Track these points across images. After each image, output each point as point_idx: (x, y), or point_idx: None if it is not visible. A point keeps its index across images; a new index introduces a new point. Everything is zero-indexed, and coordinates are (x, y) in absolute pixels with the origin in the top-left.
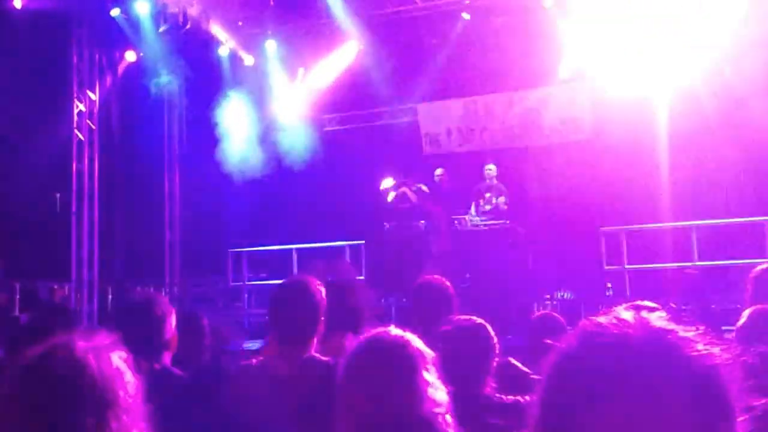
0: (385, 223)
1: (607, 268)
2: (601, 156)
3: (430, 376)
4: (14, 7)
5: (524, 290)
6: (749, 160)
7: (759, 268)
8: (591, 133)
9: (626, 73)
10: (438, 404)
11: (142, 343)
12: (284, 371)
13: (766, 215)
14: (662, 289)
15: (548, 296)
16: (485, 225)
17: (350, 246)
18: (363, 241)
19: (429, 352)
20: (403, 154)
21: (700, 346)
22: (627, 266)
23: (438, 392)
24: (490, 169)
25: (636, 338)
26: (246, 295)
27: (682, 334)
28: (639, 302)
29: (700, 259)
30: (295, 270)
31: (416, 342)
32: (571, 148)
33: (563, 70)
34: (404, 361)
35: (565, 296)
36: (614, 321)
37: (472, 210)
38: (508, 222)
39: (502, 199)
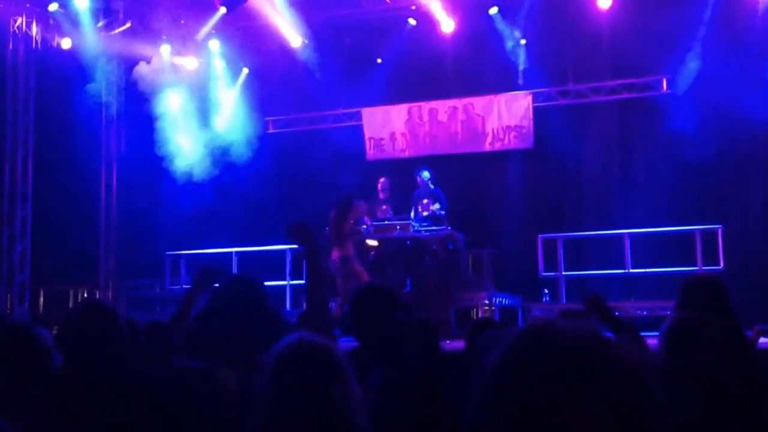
0: (327, 228)
1: (544, 274)
2: (541, 164)
3: (349, 381)
4: None
5: (463, 296)
6: (682, 170)
7: (689, 277)
8: (533, 142)
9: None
10: (356, 409)
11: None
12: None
13: (697, 224)
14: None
15: (487, 302)
16: (426, 231)
17: (292, 250)
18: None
19: (345, 359)
20: (347, 159)
21: (622, 350)
22: (564, 273)
23: (356, 396)
24: (425, 176)
25: (565, 342)
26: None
27: (608, 339)
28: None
29: (633, 267)
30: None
31: (336, 348)
32: (513, 155)
33: (508, 79)
34: (324, 367)
35: (504, 302)
36: (546, 327)
37: (411, 216)
38: (448, 228)
39: (437, 206)
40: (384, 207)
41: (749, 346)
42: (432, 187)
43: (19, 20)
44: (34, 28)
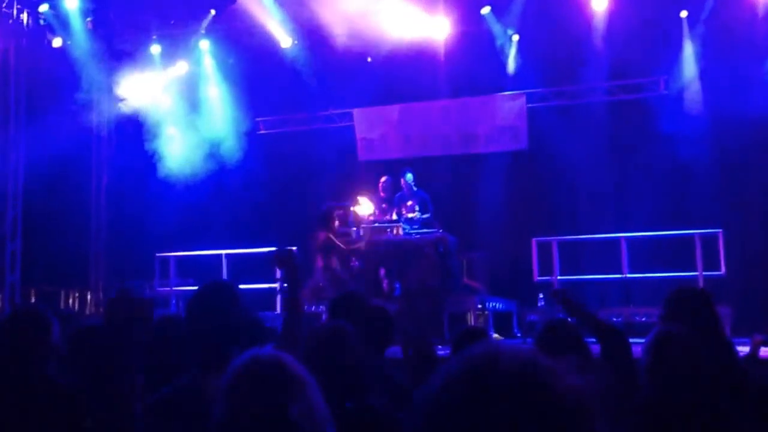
0: (318, 230)
1: (538, 278)
2: (536, 166)
3: (311, 397)
4: None
5: (456, 300)
6: (681, 172)
7: (674, 289)
8: (528, 143)
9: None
10: (320, 425)
11: None
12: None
13: (697, 228)
14: (591, 301)
15: (480, 306)
16: (417, 233)
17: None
18: (295, 248)
19: (303, 375)
20: (338, 160)
21: (568, 380)
22: (559, 277)
23: (319, 412)
24: (408, 178)
25: (504, 372)
26: (174, 301)
27: (551, 367)
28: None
29: (630, 272)
30: (225, 276)
31: (293, 363)
32: (506, 157)
33: (501, 79)
34: (280, 384)
35: (497, 306)
36: (485, 354)
37: (394, 217)
38: (440, 231)
39: (416, 213)
40: (384, 206)
41: (735, 357)
42: (415, 189)
43: (10, 20)
44: (25, 28)
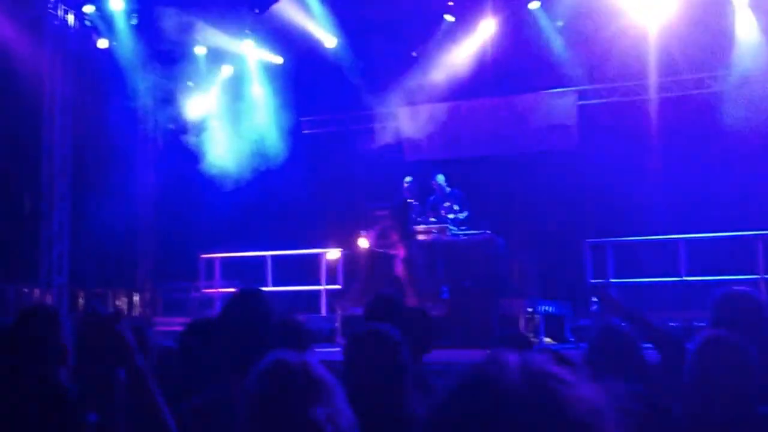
0: (361, 232)
1: (592, 281)
2: (587, 165)
3: (333, 403)
4: None
5: (506, 304)
6: (739, 173)
7: (722, 293)
8: (578, 141)
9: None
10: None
11: None
12: None
13: (756, 229)
14: (647, 305)
15: (530, 310)
16: (464, 235)
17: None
18: (340, 249)
19: (329, 379)
20: (383, 160)
21: (580, 391)
22: (613, 280)
23: (341, 420)
24: (440, 180)
25: (513, 382)
26: (218, 303)
27: (562, 377)
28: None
29: (687, 274)
30: (270, 278)
31: (317, 367)
32: (557, 156)
33: (551, 76)
34: (304, 387)
35: (548, 310)
36: (494, 363)
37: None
38: (488, 232)
39: (456, 207)
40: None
41: None
42: (448, 189)
43: (56, 22)
44: (72, 29)
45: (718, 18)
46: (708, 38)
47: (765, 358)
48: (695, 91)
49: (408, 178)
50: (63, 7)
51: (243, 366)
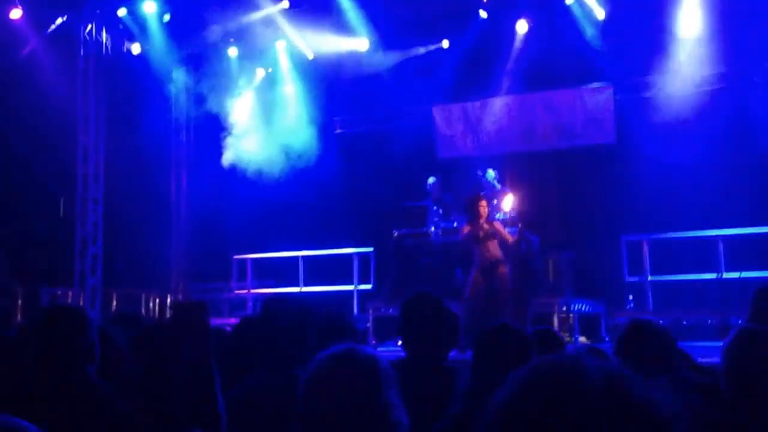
0: (394, 231)
1: (629, 279)
2: (624, 160)
3: (395, 396)
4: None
5: (540, 302)
6: None
7: (760, 287)
8: (615, 137)
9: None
10: (401, 426)
11: None
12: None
13: None
14: (685, 303)
15: (564, 308)
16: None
17: (359, 254)
18: (372, 249)
19: (392, 372)
20: (417, 158)
21: (656, 397)
22: (650, 278)
23: (401, 414)
24: (489, 176)
25: (593, 386)
26: (251, 303)
27: (637, 382)
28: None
29: (726, 271)
30: (302, 278)
31: (383, 359)
32: (593, 151)
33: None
34: (372, 378)
35: (583, 308)
36: (570, 365)
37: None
38: (520, 226)
39: (508, 206)
40: (435, 208)
41: None
42: (498, 187)
43: (90, 26)
44: (104, 34)
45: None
46: (752, 27)
47: None
48: (731, 85)
49: (431, 179)
50: (96, 11)
51: (288, 358)
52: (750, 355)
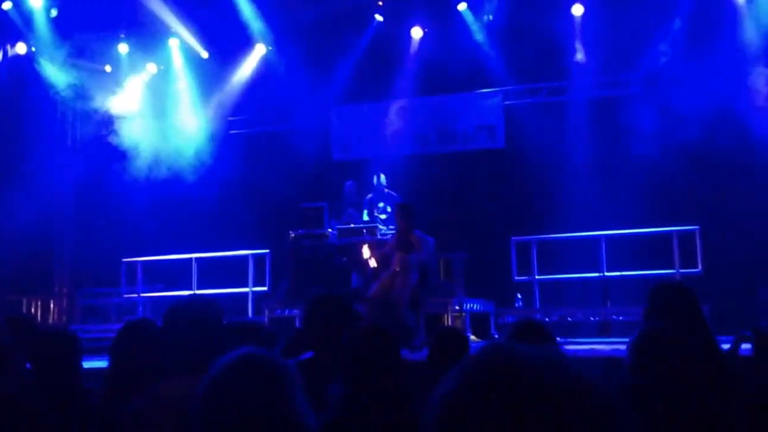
0: (290, 233)
1: (517, 278)
2: (514, 164)
3: (299, 399)
4: None
5: (433, 302)
6: (658, 170)
7: (656, 284)
8: (504, 141)
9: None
10: (305, 429)
11: None
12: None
13: (675, 225)
14: (570, 301)
15: (457, 307)
16: (393, 235)
17: (254, 255)
18: (268, 250)
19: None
20: (312, 160)
21: (586, 376)
22: (537, 277)
23: (307, 417)
24: (381, 180)
25: (531, 369)
26: (140, 308)
27: (572, 364)
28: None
29: (608, 270)
30: (195, 281)
31: (284, 364)
32: (484, 155)
33: (478, 76)
34: (271, 383)
35: (475, 308)
36: (508, 350)
37: (365, 217)
38: (416, 231)
39: (389, 209)
40: (350, 211)
41: (719, 352)
42: (386, 191)
43: None
44: None
45: (641, 19)
46: (631, 39)
47: (698, 346)
48: (613, 92)
49: (348, 182)
50: None
51: (192, 367)
52: (655, 351)
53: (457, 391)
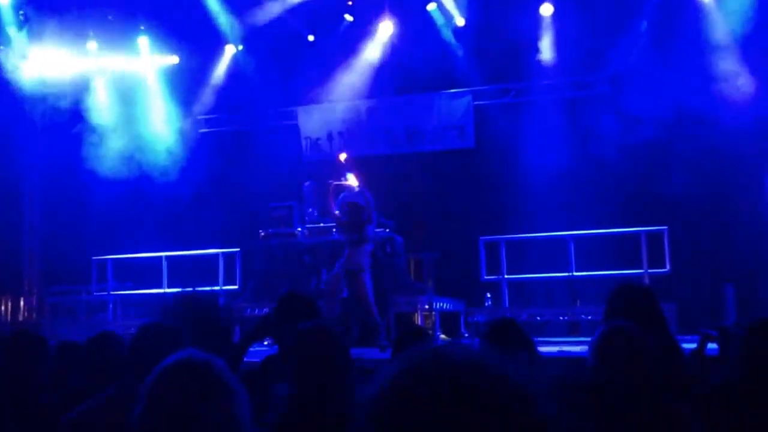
0: (260, 232)
1: (486, 278)
2: (483, 164)
3: (232, 405)
4: None
5: (403, 301)
6: (627, 171)
7: (616, 285)
8: (474, 142)
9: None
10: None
11: None
12: None
13: (643, 225)
14: (538, 300)
15: (426, 307)
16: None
17: (224, 254)
18: (238, 249)
19: (232, 383)
20: (282, 159)
21: (513, 372)
22: (506, 276)
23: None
24: (350, 179)
25: (448, 365)
26: (111, 306)
27: (493, 359)
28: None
29: (577, 270)
30: (165, 279)
31: (221, 367)
32: (453, 155)
33: (448, 77)
34: (215, 385)
35: (444, 307)
36: (428, 350)
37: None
38: (386, 231)
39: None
40: (310, 210)
41: (680, 352)
42: (357, 189)
43: None
44: None
45: (612, 19)
46: (602, 39)
47: (658, 346)
48: (582, 93)
49: (306, 183)
50: None
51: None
52: (614, 351)
53: (382, 393)
